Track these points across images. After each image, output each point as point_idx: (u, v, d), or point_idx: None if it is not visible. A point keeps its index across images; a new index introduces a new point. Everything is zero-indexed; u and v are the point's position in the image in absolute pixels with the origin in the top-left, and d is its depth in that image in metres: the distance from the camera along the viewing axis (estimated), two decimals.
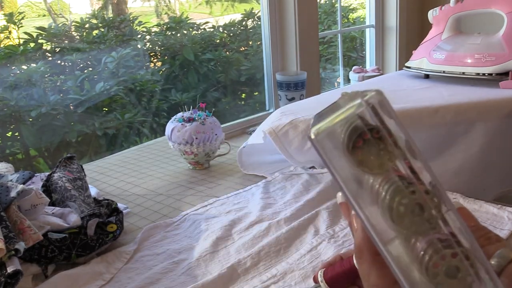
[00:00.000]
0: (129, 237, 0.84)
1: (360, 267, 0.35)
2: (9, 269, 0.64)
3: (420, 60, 1.38)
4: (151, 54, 1.91)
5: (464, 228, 0.29)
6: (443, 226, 0.29)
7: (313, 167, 1.09)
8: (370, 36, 2.31)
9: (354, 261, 0.44)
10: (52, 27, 1.65)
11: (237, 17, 2.15)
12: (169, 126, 1.16)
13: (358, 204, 0.30)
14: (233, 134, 1.55)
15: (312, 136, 0.30)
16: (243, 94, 2.20)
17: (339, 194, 0.39)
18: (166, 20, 2.00)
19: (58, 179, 0.89)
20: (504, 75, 1.17)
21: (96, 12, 1.78)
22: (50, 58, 1.60)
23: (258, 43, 2.05)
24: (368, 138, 0.29)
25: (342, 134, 0.30)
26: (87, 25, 1.75)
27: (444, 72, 1.29)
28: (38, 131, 1.53)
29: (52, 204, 0.84)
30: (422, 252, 0.29)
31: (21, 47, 1.52)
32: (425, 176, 0.30)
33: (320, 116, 0.31)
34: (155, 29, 1.96)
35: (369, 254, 0.33)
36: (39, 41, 1.57)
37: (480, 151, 1.01)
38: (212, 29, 2.07)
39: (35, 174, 0.95)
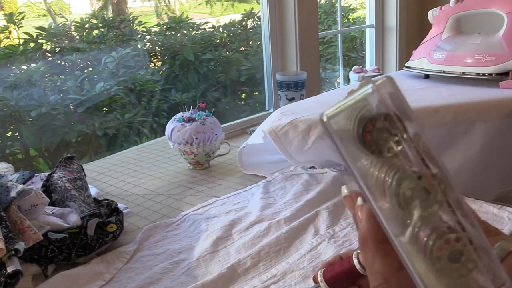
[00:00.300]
0: (129, 237, 0.84)
1: (365, 256, 0.35)
2: (9, 269, 0.64)
3: (420, 60, 1.38)
4: (151, 54, 1.91)
5: (469, 213, 0.29)
6: (449, 210, 0.29)
7: (313, 167, 1.09)
8: (370, 36, 2.31)
9: (354, 261, 0.44)
10: (52, 27, 1.65)
11: (237, 17, 2.15)
12: (169, 126, 1.16)
13: (368, 188, 0.31)
14: (233, 134, 1.55)
15: (324, 119, 0.30)
16: (243, 94, 2.20)
17: (344, 187, 0.39)
18: (166, 20, 2.00)
19: (58, 179, 0.89)
20: (504, 75, 1.17)
21: (96, 12, 1.78)
22: (50, 58, 1.60)
23: (258, 43, 2.05)
24: (377, 123, 0.29)
25: (352, 119, 0.30)
26: (87, 25, 1.75)
27: (444, 72, 1.29)
28: (38, 131, 1.53)
29: (52, 204, 0.84)
30: (425, 238, 0.29)
31: (21, 47, 1.52)
32: (432, 162, 0.30)
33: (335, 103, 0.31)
34: (155, 29, 1.96)
35: (373, 243, 0.34)
36: (39, 41, 1.57)
37: (480, 151, 1.01)
38: (212, 29, 2.07)
39: (35, 174, 0.95)
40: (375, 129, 0.30)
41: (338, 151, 0.31)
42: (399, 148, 0.30)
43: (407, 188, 0.29)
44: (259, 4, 1.77)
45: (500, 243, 0.31)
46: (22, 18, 1.55)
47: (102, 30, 1.76)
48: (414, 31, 2.35)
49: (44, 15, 1.71)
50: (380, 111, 0.29)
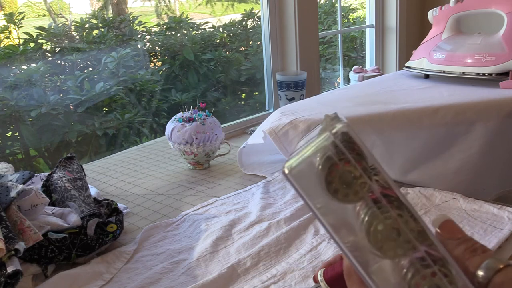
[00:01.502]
0: (129, 237, 0.84)
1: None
2: (9, 269, 0.64)
3: (420, 60, 1.38)
4: (151, 54, 1.92)
5: (437, 242, 0.31)
6: (420, 246, 0.30)
7: None
8: (370, 36, 2.31)
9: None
10: (52, 27, 1.65)
11: (237, 17, 2.15)
12: (169, 126, 1.16)
13: (338, 234, 0.31)
14: (233, 134, 1.55)
15: (286, 171, 0.30)
16: (243, 94, 2.20)
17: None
18: (166, 20, 2.00)
19: (58, 179, 0.89)
20: (504, 75, 1.17)
21: (96, 12, 1.78)
22: (50, 58, 1.60)
23: (258, 43, 2.05)
24: (339, 169, 0.30)
25: (315, 167, 0.31)
26: (87, 25, 1.75)
27: (444, 72, 1.29)
28: (38, 131, 1.53)
29: (52, 204, 0.84)
30: (405, 270, 0.30)
31: (21, 47, 1.52)
32: (399, 194, 0.31)
33: (295, 152, 0.32)
34: (155, 29, 1.96)
35: (357, 276, 0.34)
36: (39, 41, 1.57)
37: (480, 151, 1.01)
38: (212, 29, 2.07)
39: (35, 174, 0.95)
40: (338, 175, 0.30)
41: (304, 201, 0.31)
42: (364, 189, 0.31)
43: (377, 230, 0.30)
44: (259, 4, 1.77)
45: (488, 261, 0.31)
46: (22, 18, 1.55)
47: (102, 30, 1.76)
48: (414, 31, 2.35)
49: (44, 15, 1.71)
50: (340, 157, 0.30)
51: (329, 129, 0.30)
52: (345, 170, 0.30)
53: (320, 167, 0.30)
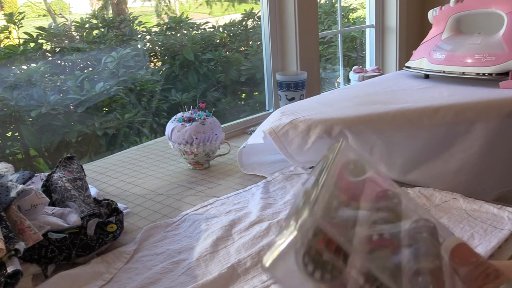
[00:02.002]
0: (129, 237, 0.84)
1: None
2: (9, 269, 0.64)
3: (420, 60, 1.38)
4: (151, 54, 1.92)
5: None
6: None
7: (313, 167, 1.09)
8: (370, 36, 2.31)
9: None
10: (52, 27, 1.65)
11: (237, 17, 2.15)
12: (169, 126, 1.16)
13: None
14: (233, 134, 1.55)
15: (266, 266, 0.31)
16: (243, 94, 2.20)
17: None
18: (166, 20, 2.00)
19: (58, 179, 0.89)
20: (504, 75, 1.17)
21: (96, 12, 1.78)
22: (50, 58, 1.60)
23: (258, 43, 2.05)
24: (317, 259, 0.30)
25: (294, 259, 0.31)
26: (87, 25, 1.75)
27: (444, 72, 1.29)
28: (38, 131, 1.53)
29: (52, 204, 0.84)
30: None
31: (21, 47, 1.52)
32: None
33: (271, 243, 0.33)
34: (155, 29, 1.96)
35: None
36: (39, 41, 1.57)
37: (480, 151, 1.01)
38: (212, 29, 2.07)
39: (35, 174, 0.95)
40: (314, 261, 0.31)
41: None
42: (346, 269, 0.31)
43: None
44: (259, 4, 1.77)
45: (504, 286, 0.31)
46: (22, 18, 1.55)
47: (102, 30, 1.76)
48: (414, 31, 2.35)
49: (44, 15, 1.71)
50: (311, 245, 0.30)
51: (294, 222, 0.30)
52: (322, 261, 0.31)
53: (299, 260, 0.31)
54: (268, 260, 0.31)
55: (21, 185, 0.75)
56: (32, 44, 1.55)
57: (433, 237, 0.38)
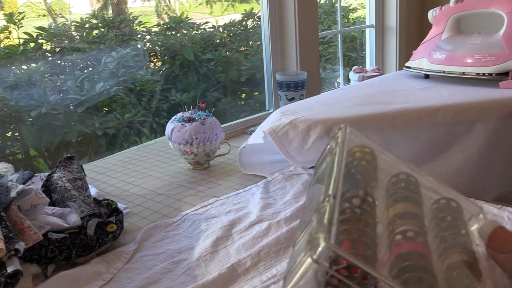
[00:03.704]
0: (129, 237, 0.84)
1: None
2: (9, 269, 0.64)
3: (420, 60, 1.38)
4: (151, 54, 1.92)
5: None
6: None
7: (313, 167, 1.09)
8: (370, 36, 2.31)
9: None
10: (52, 27, 1.65)
11: (237, 17, 2.15)
12: (169, 126, 1.16)
13: None
14: (233, 134, 1.55)
15: None
16: (243, 94, 2.20)
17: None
18: (166, 20, 2.00)
19: (58, 179, 0.89)
20: (504, 75, 1.17)
21: (96, 12, 1.78)
22: (50, 58, 1.60)
23: (258, 43, 2.05)
24: (336, 284, 0.29)
25: None
26: (87, 25, 1.75)
27: (444, 72, 1.29)
28: (38, 131, 1.53)
29: (52, 204, 0.84)
30: None
31: (21, 47, 1.52)
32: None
33: (285, 279, 0.31)
34: (155, 29, 1.96)
35: None
36: (39, 41, 1.57)
37: (480, 151, 1.01)
38: (212, 29, 2.07)
39: (35, 174, 0.95)
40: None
41: None
42: None
43: None
44: (259, 4, 1.77)
45: None
46: (22, 18, 1.55)
47: (102, 30, 1.76)
48: (414, 31, 2.35)
49: (44, 15, 1.71)
50: (332, 275, 0.28)
51: (310, 255, 0.28)
52: (340, 280, 0.29)
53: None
54: None
55: (21, 185, 0.75)
56: (32, 44, 1.55)
57: (460, 218, 0.36)
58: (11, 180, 0.79)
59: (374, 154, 0.41)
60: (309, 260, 0.28)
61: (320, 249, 0.28)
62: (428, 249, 0.32)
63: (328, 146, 0.39)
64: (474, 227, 0.35)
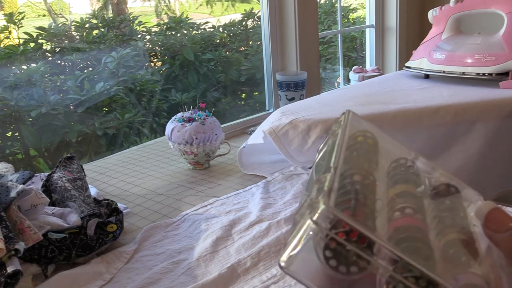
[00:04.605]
0: (129, 237, 0.84)
1: None
2: (9, 269, 0.64)
3: (420, 60, 1.38)
4: (151, 54, 1.92)
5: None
6: None
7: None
8: (370, 36, 2.31)
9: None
10: (52, 27, 1.65)
11: (237, 17, 2.15)
12: (169, 126, 1.16)
13: None
14: (233, 134, 1.55)
15: (283, 264, 0.29)
16: (243, 94, 2.20)
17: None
18: (166, 20, 2.00)
19: (58, 179, 0.89)
20: (504, 75, 1.17)
21: (96, 12, 1.79)
22: (50, 58, 1.60)
23: (258, 43, 2.05)
24: (334, 247, 0.29)
25: (314, 255, 0.29)
26: (87, 25, 1.75)
27: (444, 72, 1.29)
28: (38, 131, 1.53)
29: (52, 204, 0.84)
30: None
31: (21, 47, 1.52)
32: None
33: (286, 244, 0.31)
34: (155, 29, 1.96)
35: None
36: (39, 41, 1.57)
37: (480, 151, 1.01)
38: (212, 29, 2.07)
39: (35, 174, 0.95)
40: (337, 254, 0.29)
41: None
42: (373, 258, 0.29)
43: None
44: (259, 4, 1.77)
45: None
46: (22, 18, 1.55)
47: (102, 30, 1.76)
48: (414, 31, 2.35)
49: (44, 15, 1.71)
50: (331, 238, 0.29)
51: (309, 217, 0.28)
52: (340, 248, 0.29)
53: (317, 253, 0.29)
54: (285, 258, 0.29)
55: (21, 185, 0.75)
56: (32, 44, 1.55)
57: (457, 202, 0.36)
58: (11, 180, 0.79)
59: (376, 139, 0.41)
60: (308, 221, 0.28)
61: (319, 211, 0.28)
62: (426, 226, 0.33)
63: (331, 131, 0.40)
64: (472, 211, 0.35)
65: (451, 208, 0.35)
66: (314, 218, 0.28)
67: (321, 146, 0.40)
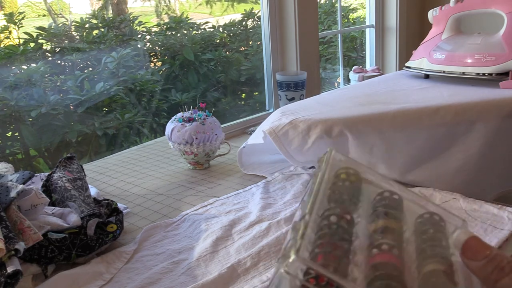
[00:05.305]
0: (129, 237, 0.84)
1: None
2: (9, 269, 0.64)
3: (420, 60, 1.38)
4: (151, 54, 1.92)
5: None
6: None
7: (313, 167, 1.09)
8: (370, 36, 2.31)
9: None
10: (52, 27, 1.65)
11: (237, 17, 2.15)
12: (169, 126, 1.16)
13: None
14: (233, 134, 1.55)
15: None
16: (243, 94, 2.20)
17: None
18: (166, 20, 2.00)
19: (58, 179, 0.89)
20: (504, 75, 1.17)
21: (96, 12, 1.79)
22: (50, 58, 1.60)
23: (258, 43, 2.05)
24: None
25: None
26: (87, 25, 1.75)
27: (444, 72, 1.29)
28: (38, 131, 1.53)
29: (52, 204, 0.84)
30: None
31: (21, 47, 1.52)
32: None
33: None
34: (155, 29, 1.96)
35: None
36: (39, 41, 1.57)
37: (480, 151, 1.01)
38: (212, 29, 2.07)
39: (35, 174, 0.95)
40: None
41: None
42: None
43: None
44: (259, 4, 1.77)
45: None
46: (22, 18, 1.55)
47: (102, 30, 1.76)
48: (414, 31, 2.35)
49: (44, 15, 1.71)
50: (303, 285, 0.31)
51: (281, 265, 0.32)
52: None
53: None
54: None
55: (21, 185, 0.75)
56: (32, 44, 1.55)
57: (441, 231, 0.37)
58: (11, 180, 0.79)
59: (359, 176, 0.44)
60: (281, 270, 0.32)
61: (290, 260, 0.32)
62: (402, 260, 0.34)
63: (315, 170, 0.42)
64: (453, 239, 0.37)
65: (433, 238, 0.37)
66: (285, 268, 0.31)
67: (310, 182, 0.43)
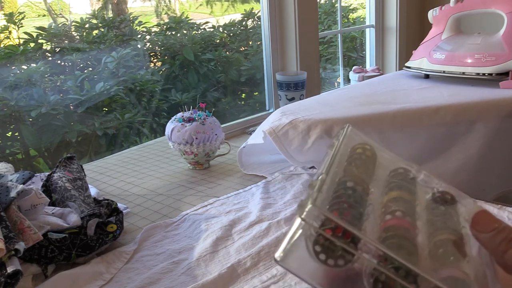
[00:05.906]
0: (129, 237, 0.84)
1: None
2: (9, 269, 0.64)
3: (420, 60, 1.38)
4: (151, 54, 1.92)
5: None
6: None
7: (313, 167, 1.09)
8: (370, 36, 2.31)
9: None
10: (52, 27, 1.65)
11: (237, 17, 2.15)
12: (169, 126, 1.16)
13: None
14: (233, 134, 1.55)
15: (278, 259, 0.32)
16: (243, 94, 2.20)
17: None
18: (166, 20, 2.00)
19: (58, 179, 0.89)
20: (504, 75, 1.17)
21: (96, 12, 1.78)
22: (50, 58, 1.60)
23: (258, 43, 2.05)
24: (323, 243, 0.32)
25: (305, 250, 0.32)
26: (87, 25, 1.75)
27: (444, 72, 1.29)
28: (38, 131, 1.53)
29: (52, 204, 0.84)
30: None
31: (21, 47, 1.52)
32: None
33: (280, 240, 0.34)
34: (155, 29, 1.96)
35: None
36: (39, 41, 1.57)
37: (480, 151, 1.01)
38: (212, 29, 2.07)
39: (35, 174, 0.95)
40: (325, 249, 0.31)
41: (307, 282, 0.33)
42: (358, 252, 0.32)
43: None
44: (259, 4, 1.77)
45: None
46: (22, 18, 1.55)
47: (102, 30, 1.76)
48: (414, 31, 2.35)
49: (44, 15, 1.71)
50: (320, 234, 0.31)
51: (299, 214, 0.31)
52: (328, 244, 0.31)
53: (308, 249, 0.32)
54: (280, 253, 0.32)
55: (21, 185, 0.75)
56: (32, 44, 1.55)
57: (452, 209, 0.38)
58: (11, 180, 0.79)
59: (375, 152, 0.44)
60: (298, 219, 0.31)
61: (307, 209, 0.31)
62: (414, 228, 0.35)
63: (330, 144, 0.42)
64: (465, 216, 0.38)
65: (445, 213, 0.37)
66: (303, 216, 0.31)
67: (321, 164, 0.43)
